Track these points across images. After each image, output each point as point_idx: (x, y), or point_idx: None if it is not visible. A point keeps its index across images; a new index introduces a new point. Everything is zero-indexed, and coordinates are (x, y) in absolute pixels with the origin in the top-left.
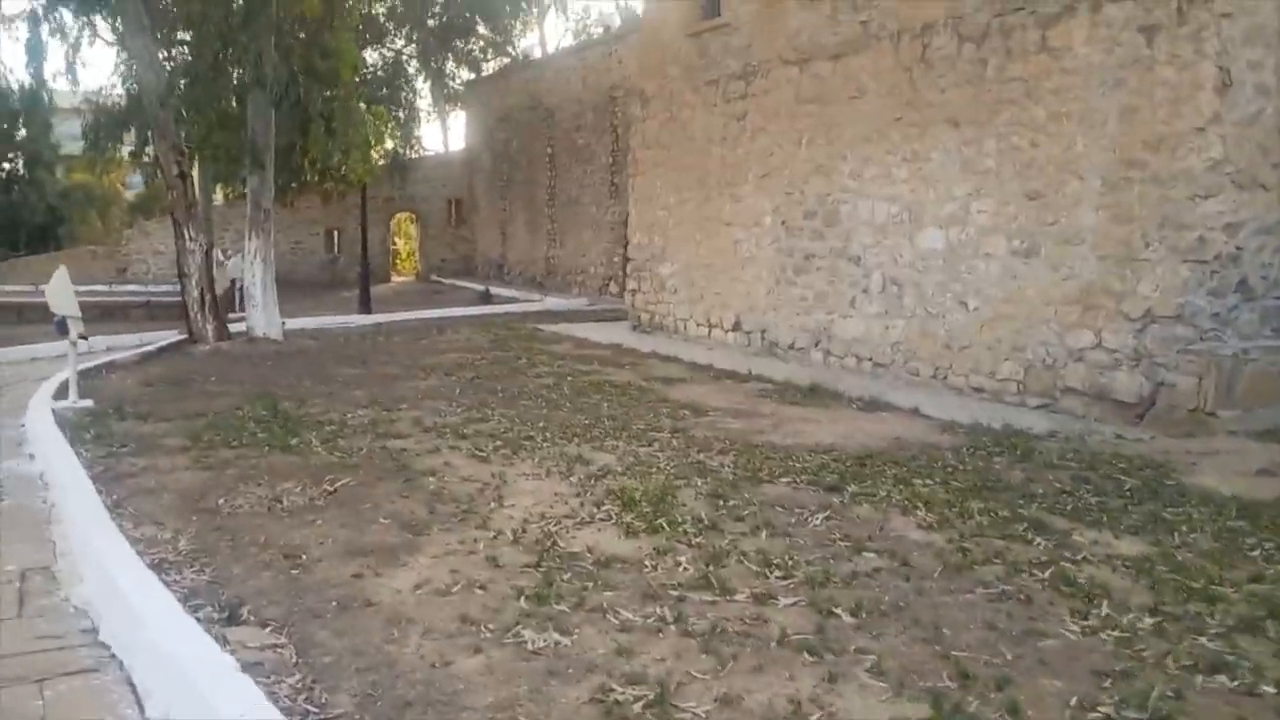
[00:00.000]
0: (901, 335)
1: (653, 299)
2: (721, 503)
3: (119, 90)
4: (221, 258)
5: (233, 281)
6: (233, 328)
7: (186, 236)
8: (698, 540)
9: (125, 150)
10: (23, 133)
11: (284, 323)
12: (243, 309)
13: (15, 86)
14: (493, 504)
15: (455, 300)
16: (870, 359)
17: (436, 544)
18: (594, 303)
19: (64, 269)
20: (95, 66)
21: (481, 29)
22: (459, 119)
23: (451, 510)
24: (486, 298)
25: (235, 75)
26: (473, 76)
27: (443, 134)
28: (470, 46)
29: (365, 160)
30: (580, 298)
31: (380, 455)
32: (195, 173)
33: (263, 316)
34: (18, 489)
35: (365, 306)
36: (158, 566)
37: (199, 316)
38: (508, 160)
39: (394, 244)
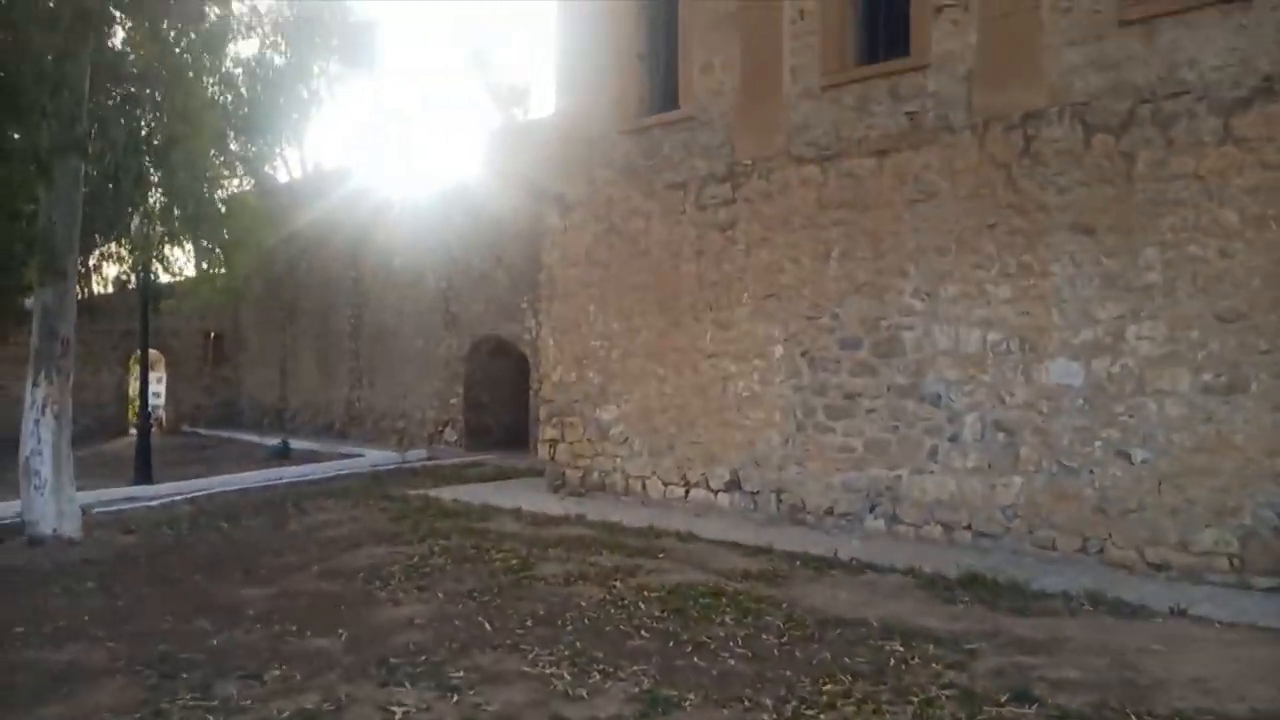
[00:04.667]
0: (1020, 496)
1: (586, 451)
2: None
3: None
4: None
5: None
6: None
7: None
8: None
9: None
10: None
11: (82, 511)
12: None
13: None
14: None
15: (238, 457)
16: (968, 526)
17: None
18: (434, 455)
19: None
20: None
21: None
22: None
23: None
24: (284, 453)
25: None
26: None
27: (195, 256)
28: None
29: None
30: (410, 449)
31: None
32: None
33: (52, 503)
34: None
35: (145, 473)
36: None
37: None
38: (292, 286)
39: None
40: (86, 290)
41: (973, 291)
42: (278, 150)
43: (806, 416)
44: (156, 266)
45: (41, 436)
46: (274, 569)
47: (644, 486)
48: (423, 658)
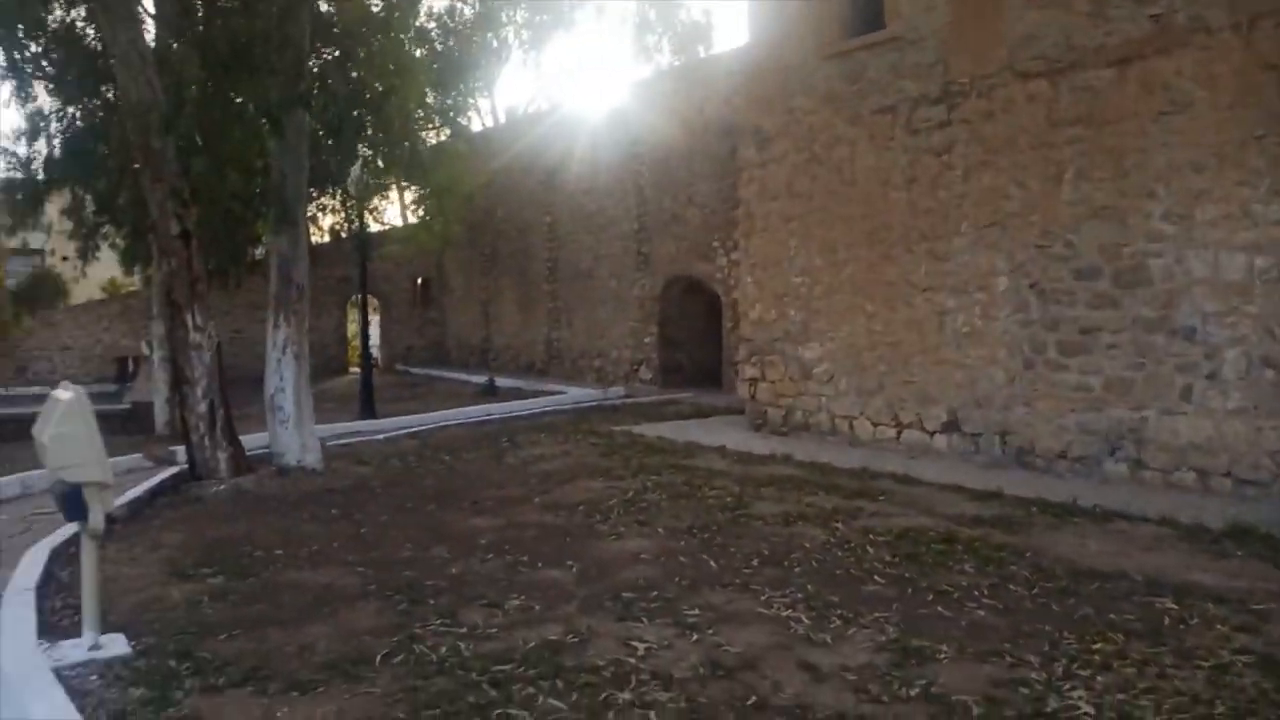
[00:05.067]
0: None
1: (788, 390)
2: None
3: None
4: (148, 350)
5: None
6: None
7: (190, 325)
8: None
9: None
10: None
11: (322, 443)
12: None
13: None
14: None
15: (448, 394)
16: (1228, 473)
17: None
18: (631, 392)
19: (79, 394)
20: None
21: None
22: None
23: None
24: (491, 390)
25: (253, 94)
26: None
27: (400, 206)
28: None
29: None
30: (611, 386)
31: None
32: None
33: (295, 436)
34: None
35: (369, 408)
36: None
37: (207, 441)
38: (491, 231)
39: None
40: (306, 239)
41: (1236, 212)
42: (470, 100)
43: (1036, 353)
44: (367, 217)
45: (284, 375)
46: (498, 500)
47: (851, 426)
48: (654, 593)
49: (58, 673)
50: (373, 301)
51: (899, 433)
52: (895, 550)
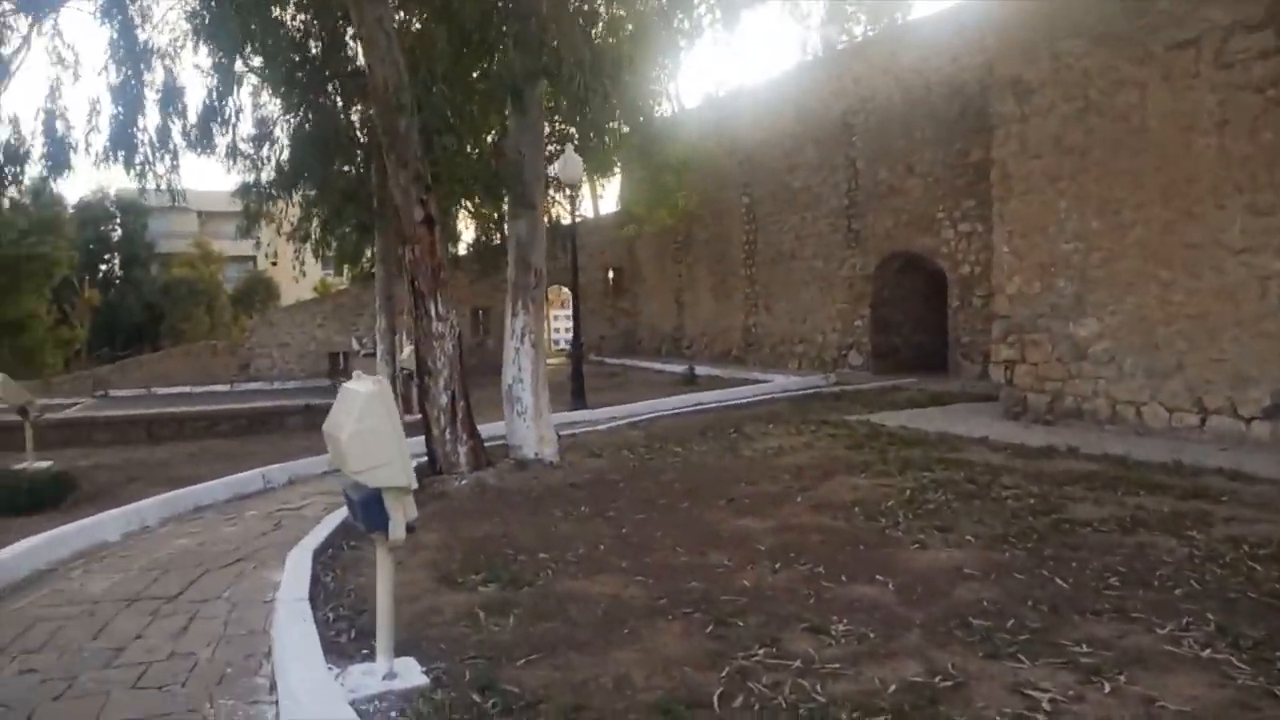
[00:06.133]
0: None
1: (1055, 373)
2: None
3: (277, 135)
4: (357, 346)
5: (409, 377)
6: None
7: (433, 314)
8: None
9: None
10: (118, 233)
11: (559, 435)
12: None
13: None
14: None
15: (646, 383)
16: None
17: None
18: (841, 379)
19: (382, 384)
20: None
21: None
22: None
23: None
24: (691, 379)
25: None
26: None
27: (592, 197)
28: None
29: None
30: (826, 373)
31: None
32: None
33: (533, 428)
34: None
35: (580, 398)
36: None
37: (448, 435)
38: (685, 217)
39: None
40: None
41: None
42: (657, 88)
43: None
44: (557, 211)
45: (521, 365)
46: (755, 498)
47: (1139, 413)
48: (1011, 621)
49: (354, 705)
50: (566, 292)
51: (1203, 419)
52: None
